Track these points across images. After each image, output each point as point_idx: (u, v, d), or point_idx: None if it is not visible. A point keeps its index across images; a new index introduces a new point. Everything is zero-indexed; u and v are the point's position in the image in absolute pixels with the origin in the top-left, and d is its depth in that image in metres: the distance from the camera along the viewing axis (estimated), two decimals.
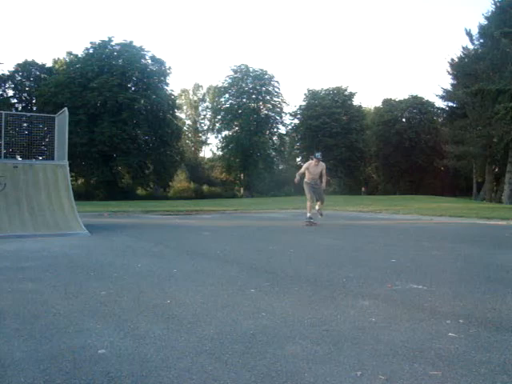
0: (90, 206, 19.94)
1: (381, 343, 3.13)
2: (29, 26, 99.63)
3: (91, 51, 48.38)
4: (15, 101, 52.95)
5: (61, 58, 57.86)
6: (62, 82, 45.03)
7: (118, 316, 3.74)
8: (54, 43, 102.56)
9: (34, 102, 51.92)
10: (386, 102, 61.48)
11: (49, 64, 54.89)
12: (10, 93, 52.69)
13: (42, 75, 51.84)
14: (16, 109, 50.03)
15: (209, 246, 8.76)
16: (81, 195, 17.36)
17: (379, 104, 64.12)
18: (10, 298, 4.42)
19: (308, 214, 13.14)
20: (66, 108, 13.02)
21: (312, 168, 13.06)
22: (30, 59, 52.97)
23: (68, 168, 12.35)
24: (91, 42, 48.99)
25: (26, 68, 52.48)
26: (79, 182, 47.13)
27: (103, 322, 3.56)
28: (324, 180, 13.23)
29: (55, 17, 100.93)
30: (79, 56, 50.38)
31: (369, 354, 2.92)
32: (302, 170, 13.26)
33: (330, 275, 5.58)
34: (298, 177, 13.26)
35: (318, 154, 13.35)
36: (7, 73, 51.18)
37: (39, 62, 53.11)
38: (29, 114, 32.61)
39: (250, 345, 3.07)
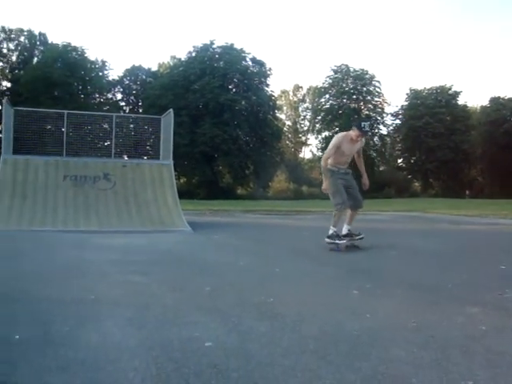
0: (191, 205, 20.53)
1: (493, 353, 2.96)
2: (136, 33, 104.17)
3: (194, 54, 49.80)
4: (123, 103, 55.63)
5: (165, 61, 60.04)
6: (166, 85, 46.69)
7: (223, 311, 3.80)
8: (159, 48, 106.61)
9: (140, 104, 54.25)
10: (494, 100, 58.45)
11: (154, 68, 57.24)
12: (119, 96, 55.49)
13: (148, 79, 54.07)
14: (124, 111, 52.46)
15: (309, 245, 8.73)
16: (183, 194, 17.92)
17: (486, 103, 61.18)
18: (123, 288, 4.64)
19: (345, 228, 7.95)
20: (171, 109, 13.48)
21: (346, 144, 7.67)
22: (137, 64, 55.44)
23: (172, 167, 12.79)
24: (194, 46, 50.49)
25: (134, 72, 54.97)
26: (181, 181, 48.56)
27: (209, 316, 3.63)
28: (362, 166, 8.25)
29: (160, 23, 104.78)
30: (182, 59, 52.05)
31: (480, 363, 2.77)
32: (331, 148, 7.73)
33: (434, 280, 5.39)
34: (325, 163, 7.81)
35: (366, 124, 8.30)
36: (116, 78, 53.88)
37: (145, 66, 55.58)
38: (134, 116, 34.16)
39: (355, 346, 3.02)
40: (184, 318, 3.61)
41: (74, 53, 48.64)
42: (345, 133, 7.95)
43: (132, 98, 56.21)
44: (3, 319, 3.44)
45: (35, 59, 54.17)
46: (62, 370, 2.48)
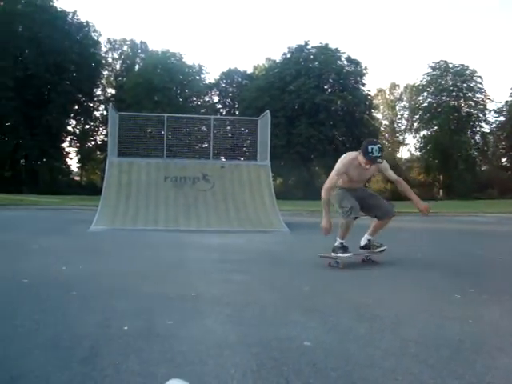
0: (288, 205, 20.58)
1: None
2: (231, 36, 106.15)
3: (289, 56, 50.03)
4: (220, 106, 56.94)
5: (260, 64, 60.71)
6: (262, 87, 47.22)
7: (321, 311, 3.78)
8: (254, 51, 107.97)
9: (236, 106, 55.23)
10: None
11: (249, 70, 58.18)
12: (216, 99, 56.87)
13: (244, 81, 55.01)
14: (221, 113, 53.69)
15: (408, 248, 8.51)
16: (279, 194, 17.95)
17: None
18: (223, 287, 4.72)
19: (365, 238, 6.76)
20: (267, 111, 13.60)
21: (354, 170, 6.25)
22: (232, 67, 56.56)
23: (270, 168, 12.89)
24: (288, 47, 50.73)
25: (230, 75, 56.16)
26: (278, 181, 48.86)
27: (307, 316, 3.62)
28: (407, 189, 6.53)
29: (255, 26, 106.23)
30: (277, 61, 52.43)
31: None
32: (333, 176, 6.25)
33: None
34: (326, 195, 6.30)
35: (375, 148, 5.90)
36: (213, 81, 55.24)
37: (241, 69, 56.58)
38: (232, 118, 34.80)
39: (457, 351, 2.89)
40: (282, 317, 3.62)
41: (173, 58, 50.38)
42: (352, 155, 6.24)
43: (228, 100, 57.37)
44: (113, 312, 3.60)
45: (137, 66, 56.65)
46: (167, 362, 2.57)
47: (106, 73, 56.88)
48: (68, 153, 53.36)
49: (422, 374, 2.51)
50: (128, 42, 58.94)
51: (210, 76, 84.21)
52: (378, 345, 2.98)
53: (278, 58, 53.62)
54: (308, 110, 45.37)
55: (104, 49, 56.91)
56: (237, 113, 52.86)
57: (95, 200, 16.06)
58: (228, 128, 23.90)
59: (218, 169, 12.86)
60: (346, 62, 50.16)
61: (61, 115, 46.42)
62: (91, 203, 20.96)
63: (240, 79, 56.49)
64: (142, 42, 58.92)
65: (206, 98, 55.79)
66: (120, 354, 2.67)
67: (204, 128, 24.35)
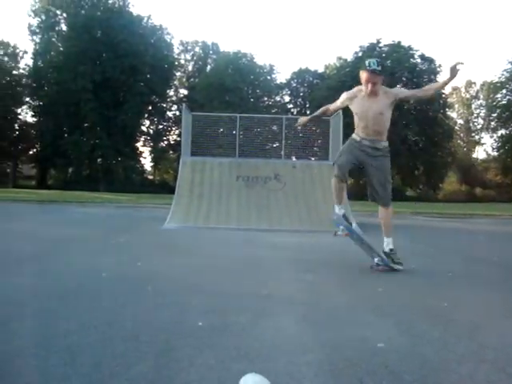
0: (360, 206, 20.32)
1: None
2: (302, 36, 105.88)
3: (360, 54, 49.37)
4: (291, 106, 57.04)
5: (331, 63, 60.29)
6: (334, 86, 46.82)
7: (395, 313, 3.73)
8: (325, 50, 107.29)
9: (307, 106, 55.10)
10: None
11: (321, 70, 57.85)
12: (287, 98, 57.00)
13: (315, 81, 54.90)
14: (292, 113, 53.75)
15: (487, 251, 8.25)
16: (350, 195, 17.68)
17: None
18: (295, 286, 4.74)
19: (337, 210, 5.90)
20: (340, 111, 13.49)
21: (358, 103, 5.56)
22: (303, 67, 56.46)
23: None
24: (360, 46, 50.11)
25: (301, 75, 56.16)
26: (349, 181, 48.23)
27: (380, 318, 3.59)
28: (433, 86, 5.81)
29: (325, 25, 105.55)
30: (349, 60, 51.89)
31: None
32: (338, 102, 5.88)
33: None
34: (323, 109, 6.18)
35: (374, 62, 5.27)
36: (284, 81, 55.40)
37: (312, 68, 56.41)
38: (299, 117, 34.63)
39: None
40: (355, 317, 3.61)
41: (244, 59, 50.87)
42: (358, 87, 5.59)
43: (299, 100, 57.38)
44: (187, 308, 3.68)
45: (208, 67, 57.61)
46: (241, 358, 2.62)
47: (178, 74, 58.27)
48: (142, 152, 55.19)
49: (501, 381, 2.44)
50: (200, 44, 60.13)
51: (281, 76, 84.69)
52: (453, 349, 2.91)
53: (349, 56, 53.22)
54: None
55: (177, 51, 58.48)
56: (308, 112, 52.70)
57: (168, 198, 16.46)
58: (299, 128, 23.84)
59: (290, 168, 12.90)
60: (419, 60, 49.05)
61: (135, 116, 47.99)
62: (164, 201, 21.46)
63: (311, 79, 56.39)
64: (213, 44, 59.98)
65: (277, 98, 56.07)
66: (195, 348, 2.73)
67: (275, 128, 24.45)
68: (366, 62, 5.31)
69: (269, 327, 3.25)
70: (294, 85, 57.07)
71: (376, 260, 5.77)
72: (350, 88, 5.75)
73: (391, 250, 5.71)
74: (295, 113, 55.51)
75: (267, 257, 6.81)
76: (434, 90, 5.60)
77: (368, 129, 5.55)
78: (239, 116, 15.49)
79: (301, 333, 3.16)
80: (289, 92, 57.19)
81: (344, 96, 5.69)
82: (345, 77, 47.36)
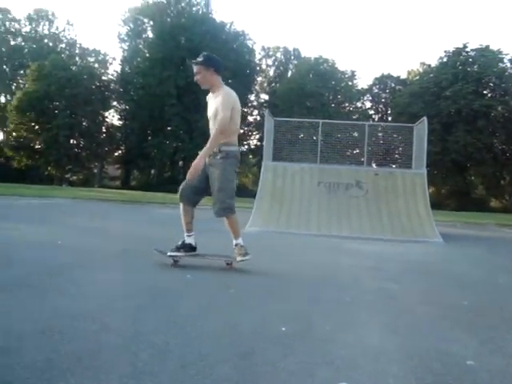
0: (441, 216, 19.80)
1: None
2: (384, 41, 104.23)
3: (445, 60, 47.93)
4: (372, 112, 56.26)
5: (414, 69, 58.97)
6: (416, 92, 45.74)
7: (483, 329, 3.59)
8: (408, 55, 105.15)
9: (389, 112, 54.22)
10: None
11: (403, 76, 56.67)
12: (368, 104, 56.27)
13: (397, 87, 53.90)
14: (373, 119, 53.07)
15: None
16: (431, 204, 17.17)
17: None
18: (376, 294, 4.69)
19: (185, 236, 5.63)
20: (425, 118, 13.25)
21: (209, 101, 5.66)
22: (385, 73, 55.57)
23: (425, 176, 12.53)
24: (445, 51, 48.51)
25: (383, 81, 55.34)
26: (430, 190, 47.11)
27: (467, 333, 3.46)
28: (213, 136, 5.30)
29: (409, 29, 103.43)
30: (433, 66, 50.58)
31: None
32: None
33: None
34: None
35: (203, 55, 5.44)
36: (365, 86, 54.78)
37: (394, 74, 55.41)
38: (384, 124, 34.17)
39: None
40: (440, 330, 3.52)
41: (326, 64, 50.68)
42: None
43: (381, 106, 56.53)
44: (270, 313, 3.71)
45: (289, 73, 57.79)
46: (325, 365, 2.61)
47: (259, 79, 58.74)
48: None
49: None
50: (281, 49, 60.41)
51: (363, 81, 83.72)
52: None
53: (433, 62, 51.96)
54: (465, 116, 43.11)
55: (258, 56, 58.92)
56: (389, 119, 51.92)
57: (247, 202, 16.58)
58: (380, 134, 23.53)
59: (372, 176, 12.75)
60: (508, 64, 46.99)
61: None
62: (243, 205, 21.64)
63: (393, 84, 55.41)
64: (294, 49, 60.14)
65: (358, 104, 55.43)
66: (278, 353, 2.75)
67: (355, 134, 24.24)
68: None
69: (353, 335, 3.23)
70: (376, 91, 56.28)
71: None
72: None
73: (236, 244, 5.54)
74: (376, 119, 54.72)
75: (349, 264, 6.76)
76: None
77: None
78: (321, 122, 15.49)
79: (385, 342, 3.12)
80: (370, 98, 56.45)
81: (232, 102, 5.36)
82: (428, 83, 46.11)
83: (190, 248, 5.48)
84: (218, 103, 5.23)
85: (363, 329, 3.42)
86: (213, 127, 5.32)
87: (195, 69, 5.30)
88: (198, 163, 5.15)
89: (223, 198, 5.41)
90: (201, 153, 5.21)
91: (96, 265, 5.37)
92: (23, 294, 3.70)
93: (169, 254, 5.40)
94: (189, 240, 5.49)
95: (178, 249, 5.43)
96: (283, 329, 3.24)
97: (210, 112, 5.40)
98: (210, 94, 5.46)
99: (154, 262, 5.54)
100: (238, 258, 5.42)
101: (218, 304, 3.95)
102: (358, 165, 15.18)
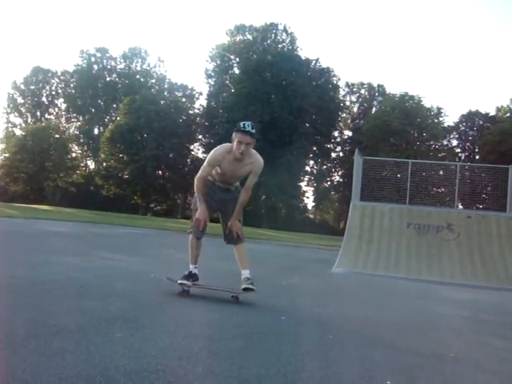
0: None
1: None
2: (472, 77, 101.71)
3: None
4: (458, 150, 54.80)
5: (504, 105, 57.07)
6: (507, 130, 44.19)
7: None
8: (497, 91, 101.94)
9: (476, 151, 52.63)
10: None
11: (492, 112, 54.99)
12: (454, 142, 54.84)
13: (486, 124, 52.17)
14: (459, 158, 51.67)
15: None
16: None
17: None
18: (482, 351, 4.47)
19: (191, 267, 5.57)
20: None
21: (227, 164, 5.42)
22: (473, 109, 54.14)
23: None
24: None
25: (470, 118, 53.89)
26: None
27: None
28: (243, 197, 5.63)
29: (498, 65, 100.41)
30: None
31: None
32: (205, 166, 5.50)
33: None
34: (199, 184, 5.50)
35: (249, 124, 5.26)
36: (452, 124, 53.53)
37: (482, 111, 53.82)
38: (478, 166, 33.07)
39: None
40: None
41: (411, 101, 49.92)
42: (226, 147, 5.42)
43: (468, 144, 54.92)
44: (372, 364, 3.61)
45: (374, 109, 57.47)
46: None
47: (343, 115, 58.73)
48: (305, 191, 56.20)
49: None
50: (365, 86, 60.31)
51: (449, 119, 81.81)
52: None
53: None
54: None
55: (342, 92, 59.08)
56: (477, 157, 50.36)
57: (330, 239, 16.54)
58: (466, 173, 22.83)
59: (464, 218, 12.34)
60: None
61: (301, 156, 49.11)
62: (327, 242, 21.60)
63: (481, 122, 53.79)
64: (379, 85, 59.82)
65: (445, 142, 54.13)
66: None
67: (441, 173, 23.64)
68: (241, 124, 5.25)
69: None
70: (463, 128, 54.79)
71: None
72: None
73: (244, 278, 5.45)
74: (463, 157, 53.20)
75: (445, 313, 6.54)
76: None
77: (231, 181, 5.68)
78: (411, 162, 15.25)
79: None
80: (457, 136, 55.05)
81: (213, 161, 5.43)
82: None
83: (196, 278, 5.54)
84: (255, 170, 5.49)
85: None
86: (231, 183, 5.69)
87: (249, 140, 5.25)
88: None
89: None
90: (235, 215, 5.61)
91: (190, 302, 5.40)
92: (125, 330, 3.74)
93: (179, 281, 5.44)
94: (195, 271, 5.55)
95: (186, 278, 5.47)
96: (388, 382, 3.13)
97: (238, 172, 5.51)
98: (231, 158, 5.37)
99: (243, 302, 5.53)
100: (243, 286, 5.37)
101: (318, 350, 3.87)
102: (448, 207, 14.75)
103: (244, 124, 5.22)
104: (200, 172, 5.48)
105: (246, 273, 5.44)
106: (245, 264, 5.53)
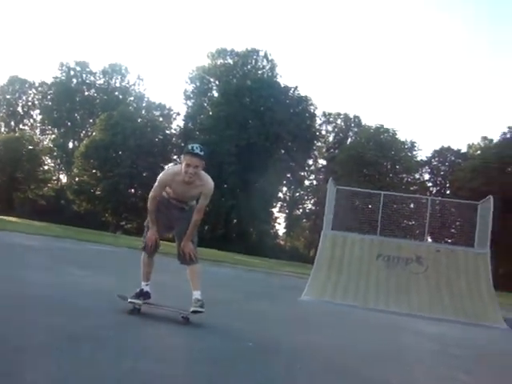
0: (502, 298, 19.09)
1: None
2: (445, 114, 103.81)
3: (508, 136, 47.30)
4: (430, 184, 55.71)
5: (475, 142, 58.36)
6: (477, 167, 45.05)
7: None
8: (469, 129, 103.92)
9: (447, 185, 53.55)
10: None
11: (463, 149, 56.10)
12: (426, 176, 55.81)
13: (457, 160, 53.19)
14: (430, 192, 52.45)
15: None
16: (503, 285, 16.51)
17: None
18: None
19: (143, 285, 5.56)
20: (490, 196, 12.96)
21: (178, 186, 5.37)
22: (445, 145, 55.32)
23: (489, 257, 12.13)
24: (509, 127, 47.99)
25: (442, 153, 55.02)
26: (501, 271, 45.39)
27: None
28: (195, 218, 5.45)
29: (471, 102, 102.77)
30: (495, 141, 50.01)
31: None
32: (156, 186, 5.42)
33: None
34: (151, 205, 5.43)
35: (197, 147, 5.25)
36: (425, 158, 54.57)
37: (454, 147, 54.92)
38: (449, 200, 33.46)
39: None
40: None
41: (386, 134, 50.81)
42: (175, 170, 5.47)
43: (439, 179, 55.88)
44: None
45: (349, 140, 58.22)
46: None
47: (318, 144, 59.30)
48: (277, 217, 56.39)
49: None
50: (342, 116, 61.16)
51: (422, 153, 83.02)
52: None
53: (495, 137, 51.29)
54: None
55: (319, 121, 59.79)
56: (447, 192, 51.15)
57: (302, 267, 16.51)
58: (437, 207, 23.16)
59: (433, 252, 12.40)
60: None
61: (274, 182, 49.32)
62: (297, 270, 21.61)
63: (453, 158, 54.84)
64: (355, 116, 60.76)
65: (417, 175, 54.97)
66: None
67: (412, 206, 23.93)
68: (189, 146, 5.24)
69: None
70: (435, 163, 55.79)
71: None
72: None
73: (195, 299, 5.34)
74: (434, 192, 53.99)
75: (413, 346, 6.54)
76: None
77: (185, 200, 5.56)
78: (383, 193, 15.37)
79: None
80: (429, 170, 56.01)
81: (162, 183, 5.41)
82: (490, 158, 45.28)
83: (147, 296, 5.52)
84: (205, 192, 5.42)
85: None
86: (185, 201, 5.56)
87: (197, 162, 5.19)
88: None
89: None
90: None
91: (156, 324, 5.31)
92: (89, 349, 3.66)
93: (129, 300, 5.40)
94: (146, 288, 5.53)
95: (137, 296, 5.42)
96: None
97: (188, 193, 5.45)
98: (180, 179, 5.30)
99: (209, 326, 5.48)
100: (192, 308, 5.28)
101: (288, 380, 3.83)
102: (418, 239, 14.88)
103: (193, 146, 5.22)
104: (151, 192, 5.44)
105: (196, 294, 5.35)
106: (196, 285, 5.44)
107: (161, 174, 5.47)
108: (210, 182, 5.43)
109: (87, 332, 4.27)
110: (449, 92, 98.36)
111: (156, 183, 5.41)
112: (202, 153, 5.20)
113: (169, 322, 5.33)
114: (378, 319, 9.23)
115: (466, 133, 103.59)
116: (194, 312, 5.24)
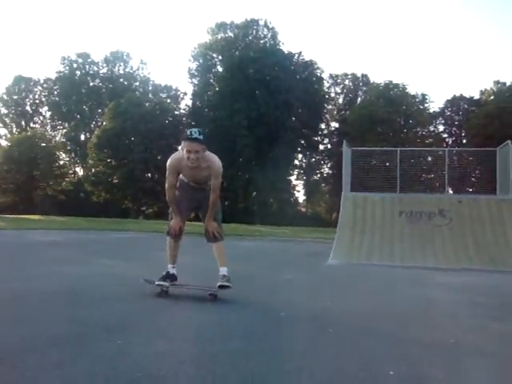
0: None
1: None
2: (455, 62, 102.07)
3: None
4: (445, 135, 54.98)
5: (488, 88, 57.29)
6: (491, 113, 44.37)
7: None
8: (481, 74, 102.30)
9: (463, 135, 52.85)
10: None
11: (476, 96, 55.13)
12: (441, 128, 55.04)
13: (471, 108, 52.36)
14: (447, 143, 51.84)
15: None
16: None
17: None
18: (479, 334, 4.49)
19: (169, 268, 5.66)
20: (509, 141, 12.79)
21: (186, 171, 5.47)
22: (457, 94, 54.30)
23: None
24: None
25: (455, 103, 54.01)
26: None
27: None
28: (211, 199, 5.49)
29: (480, 47, 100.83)
30: (508, 84, 49.12)
31: None
32: (167, 175, 5.52)
33: None
34: (169, 194, 5.57)
35: (195, 131, 5.25)
36: (437, 109, 53.66)
37: (467, 95, 53.97)
38: (465, 150, 33.15)
39: None
40: None
41: (396, 89, 50.06)
42: (178, 155, 5.48)
43: (454, 129, 55.12)
44: (372, 356, 3.60)
45: (359, 99, 57.55)
46: None
47: (329, 107, 58.75)
48: (295, 185, 56.29)
49: None
50: (349, 76, 60.30)
51: (434, 104, 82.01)
52: None
53: (508, 80, 50.35)
54: None
55: (327, 84, 59.02)
56: (464, 141, 50.57)
57: (325, 232, 16.49)
58: (455, 158, 22.94)
59: (455, 203, 12.35)
60: None
61: (289, 150, 49.09)
62: (320, 235, 21.58)
63: (467, 106, 53.98)
64: (363, 75, 59.84)
65: (431, 128, 54.29)
66: None
67: (429, 159, 23.73)
68: (188, 132, 5.31)
69: (464, 381, 3.12)
70: (449, 113, 54.95)
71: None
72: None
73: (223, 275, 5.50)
74: (450, 142, 53.37)
75: (441, 299, 6.54)
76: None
77: (194, 181, 5.62)
78: (399, 150, 15.27)
79: None
80: (443, 121, 55.21)
81: (171, 170, 5.49)
82: (505, 102, 44.58)
83: (174, 278, 5.65)
84: (213, 173, 5.45)
85: (474, 374, 3.27)
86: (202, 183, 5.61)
87: (197, 147, 5.23)
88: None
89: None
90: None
91: (185, 304, 5.39)
92: (123, 337, 3.74)
93: (156, 282, 5.53)
94: (172, 271, 5.65)
95: (164, 278, 5.55)
96: (391, 372, 3.13)
97: (198, 176, 5.51)
98: (185, 164, 5.37)
99: (239, 302, 5.52)
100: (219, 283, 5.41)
101: (318, 345, 3.85)
102: (439, 192, 14.79)
103: (191, 131, 5.27)
104: (166, 183, 5.55)
105: (223, 270, 5.48)
106: (222, 261, 5.58)
107: (168, 162, 5.51)
108: (215, 161, 5.45)
109: (120, 320, 4.36)
110: (456, 39, 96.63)
111: (167, 172, 5.50)
112: (200, 136, 5.25)
113: (197, 300, 5.42)
114: (405, 276, 9.20)
115: (477, 79, 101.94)
116: (222, 287, 5.36)
